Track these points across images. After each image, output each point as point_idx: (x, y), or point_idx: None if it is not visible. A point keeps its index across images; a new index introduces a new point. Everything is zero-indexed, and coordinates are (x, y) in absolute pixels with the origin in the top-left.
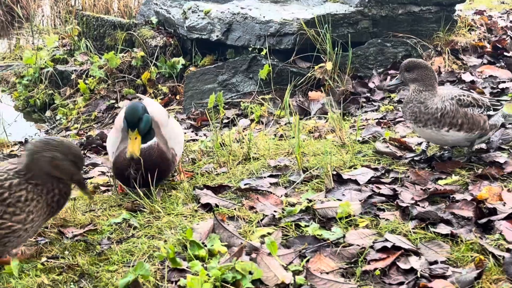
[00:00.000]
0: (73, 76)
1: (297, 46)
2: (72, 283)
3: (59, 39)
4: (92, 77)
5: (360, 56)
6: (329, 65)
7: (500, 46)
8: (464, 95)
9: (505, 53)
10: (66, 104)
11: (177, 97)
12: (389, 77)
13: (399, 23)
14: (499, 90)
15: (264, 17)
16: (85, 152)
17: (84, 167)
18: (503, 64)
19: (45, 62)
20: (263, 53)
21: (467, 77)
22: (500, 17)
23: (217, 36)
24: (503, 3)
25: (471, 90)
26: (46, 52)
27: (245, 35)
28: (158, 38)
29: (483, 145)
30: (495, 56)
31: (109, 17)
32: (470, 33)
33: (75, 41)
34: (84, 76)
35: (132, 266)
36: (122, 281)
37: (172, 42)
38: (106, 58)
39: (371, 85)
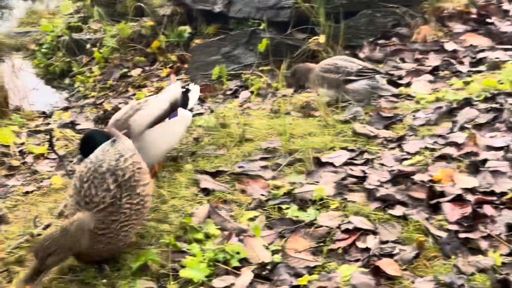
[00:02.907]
0: (88, 45)
1: (293, 18)
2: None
3: (73, 3)
4: (106, 46)
5: (352, 27)
6: (322, 38)
7: (484, 12)
8: (328, 64)
9: (488, 20)
10: (83, 72)
11: (186, 65)
12: (378, 47)
13: None
14: (477, 59)
15: None
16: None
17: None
18: (485, 31)
19: (61, 30)
20: (261, 27)
21: (450, 46)
22: None
23: (219, 8)
24: None
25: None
26: (62, 19)
27: (245, 8)
28: (165, 7)
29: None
30: (480, 22)
31: None
32: None
33: (87, 8)
34: (98, 44)
35: (143, 249)
36: (135, 264)
37: (179, 10)
38: (118, 28)
39: (361, 55)
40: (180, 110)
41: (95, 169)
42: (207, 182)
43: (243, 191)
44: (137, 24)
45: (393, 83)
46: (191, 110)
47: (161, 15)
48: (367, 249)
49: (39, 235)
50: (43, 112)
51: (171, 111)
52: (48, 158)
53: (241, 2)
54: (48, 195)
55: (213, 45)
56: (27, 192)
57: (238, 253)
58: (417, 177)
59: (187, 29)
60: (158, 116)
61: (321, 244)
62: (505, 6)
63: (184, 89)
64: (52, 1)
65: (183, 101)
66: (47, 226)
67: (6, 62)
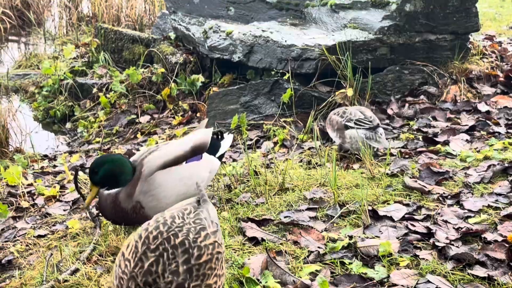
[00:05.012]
0: (94, 89)
1: (318, 70)
2: None
3: (75, 49)
4: (113, 91)
5: (378, 83)
6: (350, 91)
7: None
8: (340, 109)
9: None
10: (87, 117)
11: (198, 114)
12: (407, 104)
13: (415, 50)
14: None
15: (286, 41)
16: None
17: None
18: None
19: (64, 74)
20: (285, 77)
21: (482, 107)
22: (510, 43)
23: (238, 57)
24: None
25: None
26: (65, 63)
27: (266, 58)
28: (177, 54)
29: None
30: (509, 85)
31: (128, 31)
32: (483, 61)
33: (93, 53)
34: (104, 89)
35: None
36: None
37: (192, 59)
38: (127, 74)
39: (389, 111)
40: (205, 155)
41: (167, 237)
42: (253, 230)
43: (295, 243)
44: (147, 71)
45: (429, 140)
46: (220, 158)
47: (173, 62)
48: None
49: (65, 281)
50: (45, 155)
51: (192, 155)
52: (60, 201)
53: (263, 52)
54: (65, 239)
55: (232, 93)
56: (39, 236)
57: None
58: (488, 236)
59: (200, 78)
60: (174, 158)
61: None
62: None
63: (215, 136)
64: (50, 47)
65: (213, 147)
66: (75, 271)
67: (5, 103)
